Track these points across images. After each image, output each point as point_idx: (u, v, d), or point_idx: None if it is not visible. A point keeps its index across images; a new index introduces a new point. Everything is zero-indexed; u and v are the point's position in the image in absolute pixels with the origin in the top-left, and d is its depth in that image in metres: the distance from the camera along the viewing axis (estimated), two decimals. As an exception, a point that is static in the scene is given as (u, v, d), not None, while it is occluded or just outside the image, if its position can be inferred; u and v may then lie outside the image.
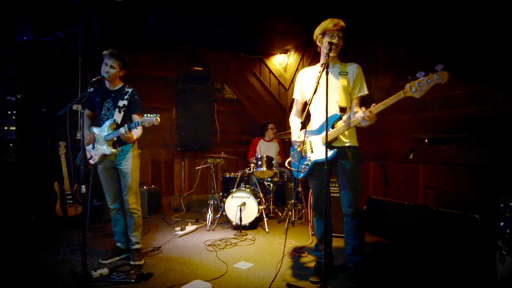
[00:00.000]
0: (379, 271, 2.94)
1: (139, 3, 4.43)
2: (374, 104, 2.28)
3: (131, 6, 4.46)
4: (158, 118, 2.82)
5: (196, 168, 5.83)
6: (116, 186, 3.23)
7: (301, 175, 2.71)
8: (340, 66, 2.61)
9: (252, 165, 4.70)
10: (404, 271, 2.93)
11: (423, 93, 2.10)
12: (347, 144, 2.57)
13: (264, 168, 4.60)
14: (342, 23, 2.50)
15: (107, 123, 3.05)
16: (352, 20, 3.19)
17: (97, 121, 3.18)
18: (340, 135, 2.53)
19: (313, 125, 2.68)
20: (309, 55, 6.13)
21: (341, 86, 2.53)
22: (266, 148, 5.56)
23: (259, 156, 4.70)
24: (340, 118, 2.49)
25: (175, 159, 6.10)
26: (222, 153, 4.86)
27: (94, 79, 2.74)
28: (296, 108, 2.91)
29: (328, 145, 2.43)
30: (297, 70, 6.55)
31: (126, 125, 2.90)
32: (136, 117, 3.12)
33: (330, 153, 2.46)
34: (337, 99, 2.54)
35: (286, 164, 2.88)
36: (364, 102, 2.61)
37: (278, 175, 4.99)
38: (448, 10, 3.52)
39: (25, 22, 4.30)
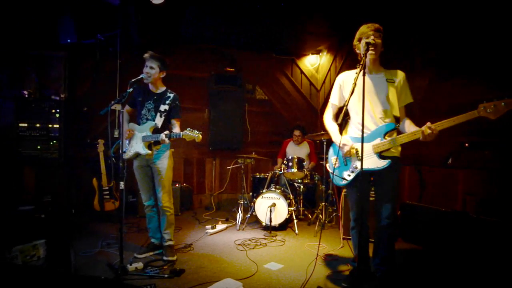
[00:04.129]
0: (412, 279, 2.84)
1: (175, 6, 4.55)
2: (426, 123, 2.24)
3: (167, 9, 4.59)
4: (200, 136, 2.91)
5: (227, 167, 5.91)
6: (151, 184, 3.33)
7: (344, 183, 2.59)
8: (384, 73, 2.53)
9: (283, 166, 4.69)
10: (439, 281, 2.81)
11: (499, 115, 2.04)
12: (395, 155, 2.48)
13: (295, 170, 4.58)
14: (376, 25, 2.45)
15: (148, 125, 3.15)
16: (387, 20, 3.11)
17: (136, 119, 3.30)
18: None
19: (359, 131, 2.45)
20: (342, 55, 6.03)
21: (391, 94, 2.46)
22: (295, 150, 5.51)
23: (290, 157, 4.68)
24: (395, 129, 2.42)
25: (207, 159, 6.21)
26: (253, 153, 4.88)
27: (133, 80, 2.85)
28: (332, 112, 2.78)
29: (380, 154, 2.41)
30: (329, 71, 6.47)
31: (167, 132, 2.99)
32: (175, 122, 3.24)
33: (384, 163, 2.39)
34: (387, 108, 2.46)
35: (327, 167, 2.78)
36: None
37: (309, 177, 4.95)
38: (485, 11, 3.36)
39: (70, 26, 4.54)
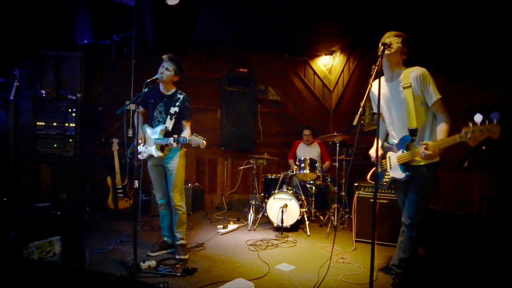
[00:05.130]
0: (425, 284, 2.79)
1: (189, 8, 4.59)
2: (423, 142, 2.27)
3: (182, 11, 4.64)
4: (205, 143, 2.94)
5: (239, 168, 5.92)
6: (164, 183, 3.36)
7: (384, 187, 2.72)
8: (403, 76, 2.43)
9: (295, 167, 4.68)
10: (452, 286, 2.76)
11: (477, 143, 1.93)
12: (427, 163, 2.42)
13: (307, 171, 4.56)
14: (398, 32, 2.44)
15: (159, 128, 3.19)
16: (401, 22, 3.05)
17: (149, 121, 3.35)
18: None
19: (391, 139, 2.63)
20: (356, 56, 5.99)
21: (409, 102, 2.38)
22: (305, 151, 5.48)
23: (302, 159, 4.67)
24: (412, 140, 2.40)
25: (219, 159, 6.24)
26: (265, 154, 4.88)
27: (148, 80, 2.88)
28: (381, 119, 2.80)
29: (406, 166, 2.46)
30: (342, 71, 6.43)
31: (175, 137, 3.02)
32: (185, 123, 3.28)
33: (403, 175, 2.46)
34: (407, 117, 2.41)
35: (368, 178, 2.81)
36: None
37: (321, 178, 4.92)
38: (500, 16, 3.30)
39: (86, 26, 4.62)
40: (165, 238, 3.45)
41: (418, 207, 2.46)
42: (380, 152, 2.60)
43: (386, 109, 2.57)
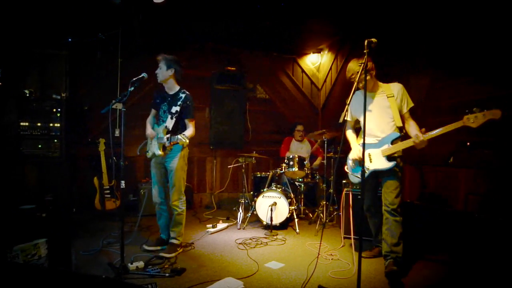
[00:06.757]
0: (415, 277, 2.84)
1: (176, 5, 4.54)
2: (424, 130, 2.70)
3: (168, 8, 4.58)
4: (188, 141, 2.99)
5: (228, 166, 5.90)
6: (163, 182, 3.41)
7: (357, 180, 3.08)
8: (385, 90, 2.94)
9: (284, 165, 4.69)
10: (444, 281, 2.81)
11: (479, 124, 2.42)
12: (400, 154, 2.90)
13: (295, 169, 4.57)
14: (352, 71, 2.92)
15: (161, 127, 3.23)
16: (390, 20, 3.04)
17: (157, 121, 3.41)
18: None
19: (372, 139, 2.96)
20: (343, 54, 6.02)
21: (393, 108, 2.88)
22: (297, 148, 5.51)
23: (291, 156, 4.68)
24: (400, 137, 2.85)
25: (207, 157, 6.21)
26: (254, 152, 4.88)
27: (134, 79, 2.86)
28: (348, 126, 3.28)
29: (390, 157, 2.85)
30: (330, 69, 6.46)
31: (168, 136, 3.07)
32: (187, 122, 3.31)
33: (391, 164, 2.82)
34: (391, 120, 2.90)
35: (345, 168, 3.21)
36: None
37: (310, 176, 4.94)
38: (488, 11, 3.37)
39: (72, 24, 4.54)
40: (161, 235, 3.51)
41: (398, 191, 2.83)
42: (355, 156, 3.07)
43: (372, 115, 2.93)
